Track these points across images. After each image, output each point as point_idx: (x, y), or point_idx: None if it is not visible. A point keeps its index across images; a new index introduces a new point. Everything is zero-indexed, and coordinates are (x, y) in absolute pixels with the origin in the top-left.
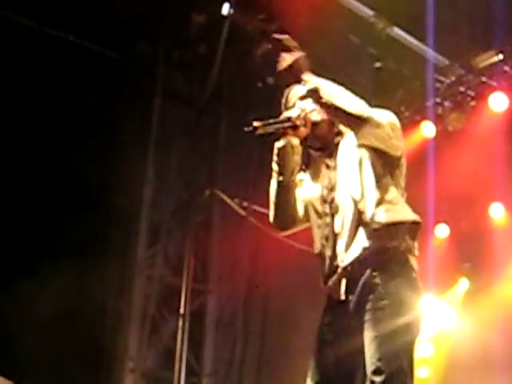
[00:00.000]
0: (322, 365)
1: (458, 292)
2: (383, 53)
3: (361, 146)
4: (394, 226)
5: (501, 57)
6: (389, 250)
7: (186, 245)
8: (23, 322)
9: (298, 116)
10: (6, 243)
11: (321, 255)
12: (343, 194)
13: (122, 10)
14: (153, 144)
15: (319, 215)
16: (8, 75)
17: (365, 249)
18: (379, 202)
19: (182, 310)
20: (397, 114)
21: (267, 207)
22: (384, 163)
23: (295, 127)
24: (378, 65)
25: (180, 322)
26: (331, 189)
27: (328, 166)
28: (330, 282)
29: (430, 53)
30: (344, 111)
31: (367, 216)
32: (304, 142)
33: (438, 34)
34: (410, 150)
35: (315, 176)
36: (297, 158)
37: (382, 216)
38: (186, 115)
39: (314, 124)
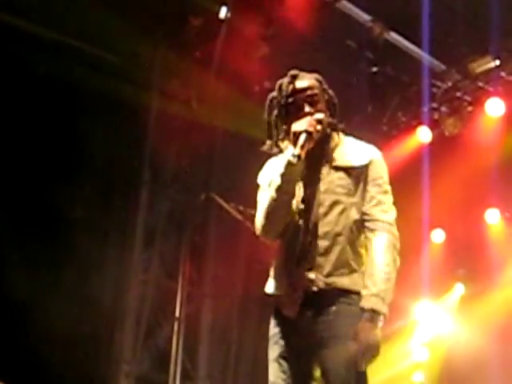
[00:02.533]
0: (282, 378)
1: (454, 297)
2: (380, 58)
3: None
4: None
5: (497, 62)
6: (348, 293)
7: (182, 248)
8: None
9: (315, 128)
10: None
11: (281, 264)
12: (323, 213)
13: (120, 13)
14: (149, 147)
15: (292, 226)
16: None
17: (327, 285)
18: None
19: (177, 314)
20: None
21: None
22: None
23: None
24: (374, 69)
25: (175, 326)
26: (309, 202)
27: (310, 179)
28: (286, 297)
29: (426, 58)
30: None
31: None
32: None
33: (434, 40)
34: (407, 155)
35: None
36: (300, 170)
37: (351, 283)
38: (182, 118)
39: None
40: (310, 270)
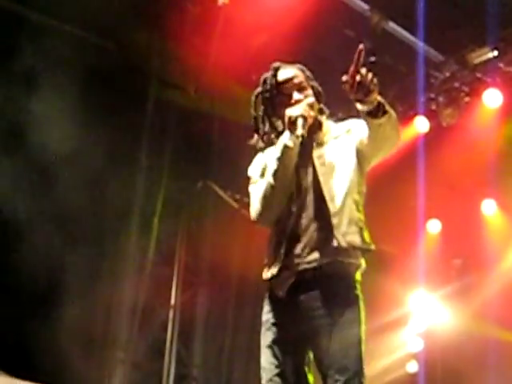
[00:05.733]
0: (274, 364)
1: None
2: (378, 47)
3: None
4: (358, 250)
5: (495, 53)
6: (345, 269)
7: (178, 236)
8: None
9: (308, 112)
10: None
11: (275, 247)
12: (317, 196)
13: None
14: (146, 134)
15: (285, 211)
16: None
17: (322, 260)
18: (353, 221)
19: (172, 301)
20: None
21: None
22: (364, 173)
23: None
24: (372, 59)
25: (171, 313)
26: (301, 187)
27: (302, 165)
28: (280, 278)
29: (424, 48)
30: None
31: (338, 231)
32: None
33: (432, 30)
34: (403, 145)
35: None
36: (295, 156)
37: (352, 238)
38: (180, 106)
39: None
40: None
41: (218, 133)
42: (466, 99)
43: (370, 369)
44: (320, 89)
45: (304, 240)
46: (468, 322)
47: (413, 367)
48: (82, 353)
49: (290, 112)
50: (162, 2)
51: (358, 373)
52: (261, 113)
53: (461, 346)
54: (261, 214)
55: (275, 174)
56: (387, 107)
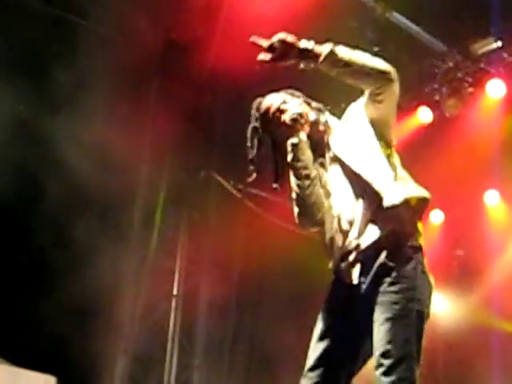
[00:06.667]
0: (326, 348)
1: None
2: (382, 38)
3: (369, 120)
4: (407, 205)
5: (499, 44)
6: (403, 234)
7: (181, 226)
8: None
9: (301, 114)
10: None
11: (330, 242)
12: (349, 185)
13: None
14: (149, 124)
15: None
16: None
17: (380, 232)
18: (391, 181)
19: (175, 291)
20: None
21: (263, 190)
22: (387, 140)
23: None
24: (376, 49)
25: (173, 303)
26: (333, 183)
27: (323, 165)
28: (343, 266)
29: (427, 38)
30: (368, 67)
31: (382, 197)
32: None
33: (436, 20)
34: (407, 136)
35: None
36: (309, 152)
37: (397, 195)
38: (183, 96)
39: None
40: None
41: (221, 123)
42: (470, 90)
43: (370, 363)
44: (307, 99)
45: (354, 226)
46: (470, 313)
47: None
48: (83, 343)
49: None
50: None
51: (404, 359)
52: (255, 150)
53: (463, 337)
54: (297, 217)
55: (295, 174)
56: (316, 49)
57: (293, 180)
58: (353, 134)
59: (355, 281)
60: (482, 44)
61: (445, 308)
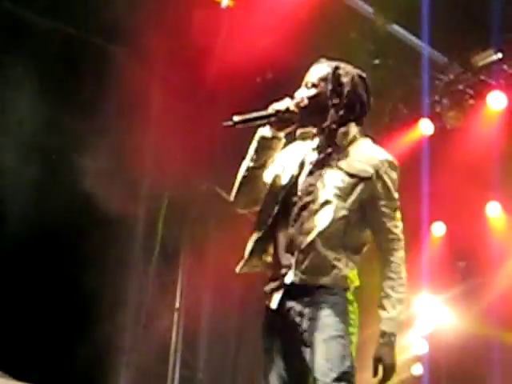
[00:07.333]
0: (275, 375)
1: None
2: (382, 50)
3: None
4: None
5: (500, 55)
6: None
7: (183, 239)
8: None
9: (287, 108)
10: None
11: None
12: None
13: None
14: (151, 136)
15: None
16: None
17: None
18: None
19: (177, 305)
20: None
21: None
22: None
23: (281, 121)
24: (376, 62)
25: (175, 316)
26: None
27: (311, 163)
28: (271, 290)
29: (428, 51)
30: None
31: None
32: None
33: (437, 32)
34: (408, 148)
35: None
36: (274, 152)
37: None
38: (184, 108)
39: (312, 98)
40: (290, 264)
41: (222, 136)
42: (471, 102)
43: (368, 370)
44: (347, 89)
45: (292, 249)
46: (473, 324)
47: (418, 370)
48: (85, 356)
49: (275, 106)
50: (169, 4)
51: (343, 375)
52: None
53: (466, 348)
54: (235, 196)
55: (248, 160)
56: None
57: (246, 163)
58: (345, 180)
59: (274, 307)
60: (482, 56)
61: (448, 319)
